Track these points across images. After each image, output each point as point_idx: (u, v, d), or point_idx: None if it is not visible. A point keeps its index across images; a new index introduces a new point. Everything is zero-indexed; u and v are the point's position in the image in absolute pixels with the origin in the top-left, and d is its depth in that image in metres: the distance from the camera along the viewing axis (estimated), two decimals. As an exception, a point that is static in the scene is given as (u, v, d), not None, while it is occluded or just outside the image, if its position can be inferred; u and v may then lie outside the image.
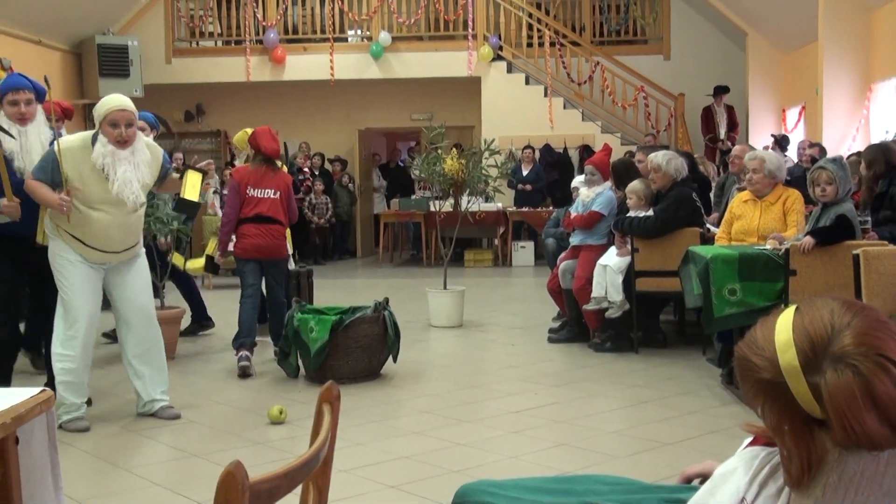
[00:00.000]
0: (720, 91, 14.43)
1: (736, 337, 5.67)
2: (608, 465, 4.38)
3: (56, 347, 5.08)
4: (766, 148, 10.61)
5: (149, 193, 5.44)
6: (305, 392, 5.95)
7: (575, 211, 7.61)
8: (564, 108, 15.28)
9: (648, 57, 15.86)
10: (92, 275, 5.13)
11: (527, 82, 15.35)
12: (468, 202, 8.95)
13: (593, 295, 7.03)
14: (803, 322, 1.57)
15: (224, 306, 8.53)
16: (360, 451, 4.60)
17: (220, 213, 11.30)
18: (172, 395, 5.52)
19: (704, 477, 2.00)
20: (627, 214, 7.03)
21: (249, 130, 7.05)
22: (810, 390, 1.51)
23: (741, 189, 6.83)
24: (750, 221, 6.24)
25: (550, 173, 14.84)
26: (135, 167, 5.00)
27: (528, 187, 14.45)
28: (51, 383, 5.52)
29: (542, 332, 7.85)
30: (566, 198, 12.85)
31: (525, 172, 14.55)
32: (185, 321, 7.74)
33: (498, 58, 15.33)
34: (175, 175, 5.62)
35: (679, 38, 15.94)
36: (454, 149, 9.47)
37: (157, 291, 8.26)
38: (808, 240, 5.43)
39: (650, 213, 6.89)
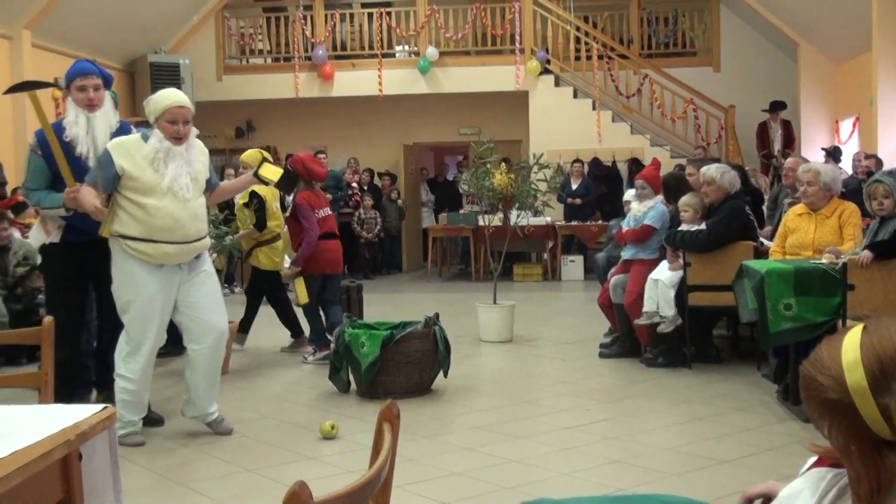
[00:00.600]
0: (776, 107, 14.22)
1: (791, 352, 5.59)
2: (663, 482, 4.33)
3: (119, 367, 5.09)
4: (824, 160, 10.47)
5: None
6: (357, 407, 5.97)
7: (626, 225, 7.57)
8: (613, 121, 15.22)
9: (698, 69, 15.75)
10: (162, 288, 5.01)
11: (575, 96, 15.31)
12: (517, 216, 8.94)
13: (645, 309, 6.98)
14: (871, 342, 1.55)
15: (261, 321, 8.56)
16: (411, 467, 4.59)
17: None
18: (226, 410, 5.57)
19: (766, 498, 1.97)
20: (679, 228, 6.97)
21: (256, 150, 7.44)
22: (879, 411, 1.49)
23: (794, 202, 6.74)
24: (805, 235, 6.15)
25: (599, 187, 14.78)
26: (187, 163, 4.97)
27: (578, 201, 14.39)
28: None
29: (593, 347, 7.81)
30: (615, 211, 12.79)
31: (574, 186, 14.50)
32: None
33: (545, 71, 15.32)
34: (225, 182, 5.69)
35: (729, 49, 15.82)
36: (503, 163, 9.47)
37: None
38: (867, 254, 5.34)
39: (703, 226, 6.82)
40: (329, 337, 7.81)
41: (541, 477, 4.46)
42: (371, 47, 15.67)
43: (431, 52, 15.27)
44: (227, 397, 5.91)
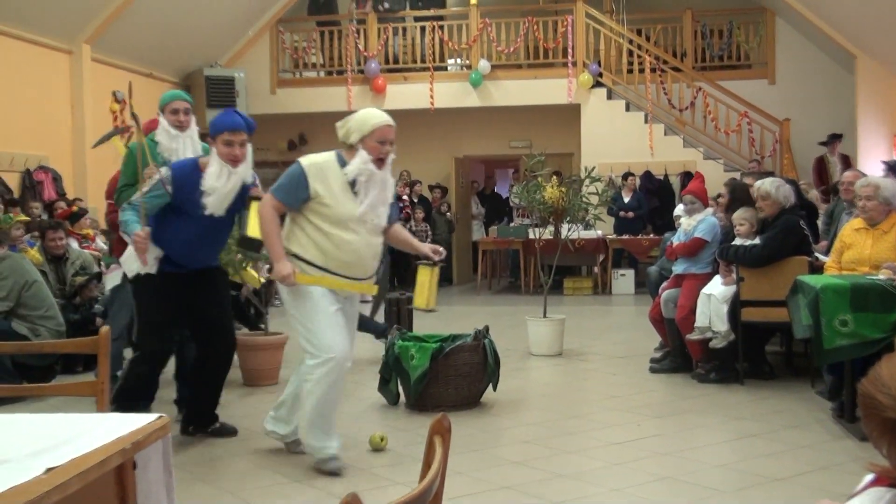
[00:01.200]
0: (834, 138, 13.93)
1: (847, 369, 5.49)
2: (715, 500, 4.28)
3: (311, 390, 4.73)
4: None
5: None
6: (406, 419, 5.98)
7: (677, 240, 7.50)
8: (665, 134, 15.11)
9: (752, 81, 15.58)
10: (339, 309, 4.73)
11: (627, 109, 15.24)
12: (568, 230, 8.90)
13: (697, 324, 6.90)
14: (931, 360, 1.52)
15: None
16: (460, 480, 4.58)
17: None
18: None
19: (821, 517, 1.94)
20: (733, 242, 6.90)
21: None
22: (939, 432, 1.46)
23: (851, 216, 6.64)
24: (861, 250, 6.04)
25: (651, 200, 14.67)
26: (383, 190, 4.69)
27: (630, 214, 14.30)
28: (182, 401, 5.89)
29: (644, 361, 7.74)
30: (666, 225, 12.68)
31: (626, 199, 14.40)
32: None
33: (598, 84, 15.27)
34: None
35: (784, 61, 15.63)
36: (554, 176, 9.44)
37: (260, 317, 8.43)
38: (924, 269, 5.23)
39: (756, 241, 6.74)
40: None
41: (591, 492, 4.43)
42: (423, 60, 15.74)
43: (483, 65, 15.31)
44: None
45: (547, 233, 9.19)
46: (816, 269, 6.60)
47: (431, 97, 15.51)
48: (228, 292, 5.82)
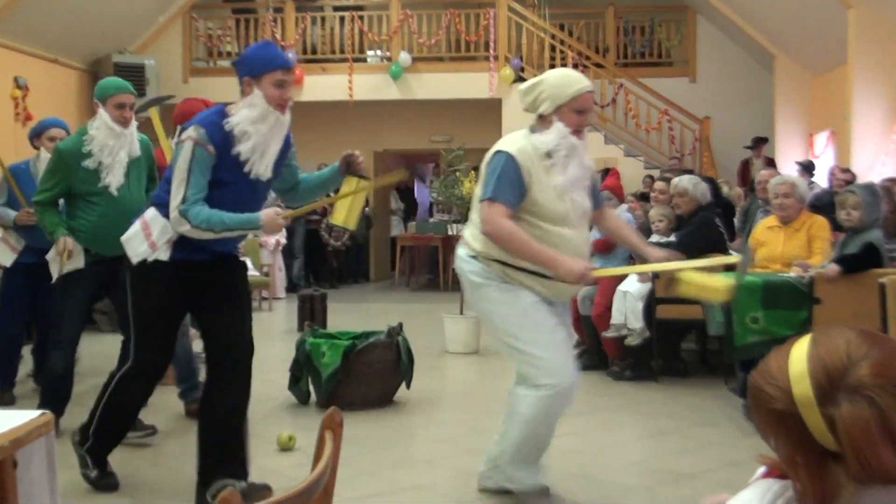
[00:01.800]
0: (759, 142, 14.24)
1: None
2: (626, 497, 4.35)
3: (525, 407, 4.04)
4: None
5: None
6: (316, 419, 5.89)
7: (593, 237, 7.59)
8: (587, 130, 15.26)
9: (674, 79, 15.84)
10: (558, 324, 4.05)
11: (548, 104, 15.35)
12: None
13: (613, 322, 7.01)
14: (819, 352, 1.56)
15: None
16: (370, 479, 4.58)
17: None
18: (180, 420, 5.54)
19: (718, 510, 1.98)
20: (649, 240, 7.01)
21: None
22: (825, 422, 1.50)
23: (766, 215, 6.81)
24: (774, 248, 6.21)
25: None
26: (585, 168, 4.07)
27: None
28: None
29: (561, 359, 7.81)
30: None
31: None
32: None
33: (520, 79, 15.34)
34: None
35: (705, 60, 15.93)
36: (473, 171, 9.48)
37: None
38: (834, 267, 5.40)
39: (672, 238, 6.87)
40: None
41: (503, 492, 4.45)
42: (342, 51, 15.65)
43: (404, 57, 15.28)
44: (180, 406, 5.88)
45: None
46: (731, 266, 6.75)
47: (350, 89, 15.42)
48: (248, 290, 4.77)
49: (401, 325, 6.41)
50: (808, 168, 12.02)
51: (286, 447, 5.13)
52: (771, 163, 14.06)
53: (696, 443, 5.30)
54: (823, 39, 12.92)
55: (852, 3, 11.32)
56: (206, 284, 4.20)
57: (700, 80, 15.89)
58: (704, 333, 7.20)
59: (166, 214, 4.01)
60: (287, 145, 4.19)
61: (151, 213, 4.12)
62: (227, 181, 3.98)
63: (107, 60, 14.60)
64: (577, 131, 3.95)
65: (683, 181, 7.03)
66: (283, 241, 13.57)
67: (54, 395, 5.26)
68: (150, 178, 5.40)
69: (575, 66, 15.14)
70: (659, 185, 7.80)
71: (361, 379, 6.11)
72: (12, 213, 6.26)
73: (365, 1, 16.46)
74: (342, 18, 15.76)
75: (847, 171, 10.80)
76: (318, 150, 16.55)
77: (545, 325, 3.94)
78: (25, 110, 12.08)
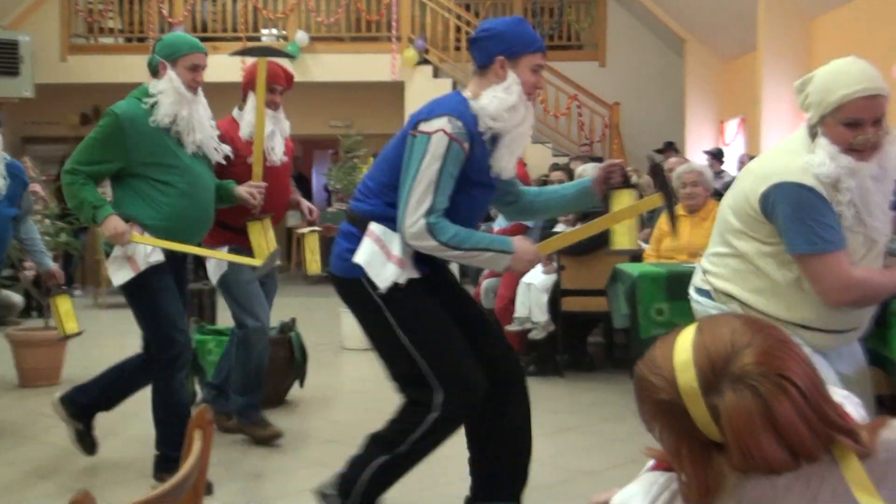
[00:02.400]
0: (668, 147, 14.43)
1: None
2: (527, 496, 4.39)
3: None
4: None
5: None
6: (203, 420, 5.87)
7: (497, 226, 7.67)
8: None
9: (583, 63, 16.04)
10: None
11: (454, 88, 15.40)
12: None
13: (516, 315, 7.08)
14: (704, 341, 1.60)
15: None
16: (260, 483, 4.56)
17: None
18: (53, 421, 5.41)
19: (610, 505, 2.02)
20: (553, 229, 7.10)
21: None
22: (709, 412, 1.54)
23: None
24: (680, 238, 6.34)
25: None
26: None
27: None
28: None
29: (464, 355, 7.86)
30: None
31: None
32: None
33: (423, 61, 15.37)
34: None
35: (615, 44, 16.18)
36: (372, 158, 9.47)
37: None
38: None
39: (577, 228, 6.96)
40: None
41: (399, 492, 4.45)
42: (235, 30, 15.45)
43: (301, 36, 15.15)
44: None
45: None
46: (638, 257, 6.88)
47: (244, 70, 15.20)
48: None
49: (294, 321, 6.37)
50: (716, 156, 12.32)
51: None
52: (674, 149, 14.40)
53: (600, 439, 5.40)
54: (734, 25, 13.25)
55: (762, -12, 11.64)
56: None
57: (610, 64, 16.14)
58: (610, 326, 7.32)
59: (388, 226, 3.54)
60: None
61: (379, 227, 3.56)
62: (467, 187, 3.51)
63: (-25, 36, 14.16)
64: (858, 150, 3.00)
65: (587, 170, 7.12)
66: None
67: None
68: None
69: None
70: (556, 174, 7.90)
71: (252, 377, 6.06)
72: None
73: (259, -24, 16.28)
74: (235, -6, 15.56)
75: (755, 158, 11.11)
76: (209, 134, 16.33)
77: None
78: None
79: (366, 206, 3.63)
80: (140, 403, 4.87)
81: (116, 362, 4.82)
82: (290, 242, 15.70)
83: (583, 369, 7.27)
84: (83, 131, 16.42)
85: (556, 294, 6.92)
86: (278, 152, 5.41)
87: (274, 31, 16.02)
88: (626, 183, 3.78)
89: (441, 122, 3.40)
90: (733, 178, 10.67)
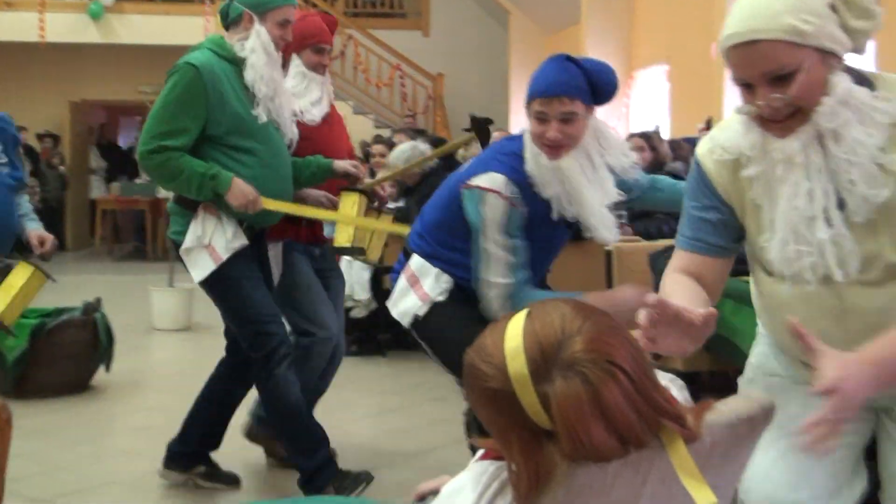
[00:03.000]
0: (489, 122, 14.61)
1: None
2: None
3: None
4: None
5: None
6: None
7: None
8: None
9: (406, 32, 16.09)
10: None
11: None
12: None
13: (338, 293, 7.05)
14: (534, 327, 1.61)
15: None
16: (60, 476, 4.42)
17: None
18: None
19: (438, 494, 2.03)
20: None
21: None
22: (539, 399, 1.56)
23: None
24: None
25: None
26: None
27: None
28: None
29: (283, 335, 7.80)
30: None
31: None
32: None
33: (237, 25, 15.05)
34: None
35: (439, 13, 16.27)
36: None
37: None
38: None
39: (401, 204, 6.98)
40: None
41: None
42: (32, -15, 14.78)
43: (106, -6, 14.64)
44: None
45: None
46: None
47: (41, 29, 14.57)
48: None
49: (99, 301, 6.20)
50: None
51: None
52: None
53: (422, 420, 5.45)
54: (558, -3, 13.54)
55: (586, -39, 11.93)
56: None
57: (433, 34, 16.22)
58: (434, 304, 7.39)
59: (444, 269, 3.46)
60: None
61: (420, 263, 3.52)
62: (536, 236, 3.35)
63: None
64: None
65: (406, 148, 7.15)
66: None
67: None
68: None
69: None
70: (378, 147, 7.90)
71: (53, 363, 5.88)
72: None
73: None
74: (31, -54, 14.85)
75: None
76: (2, 99, 15.57)
77: None
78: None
79: (429, 245, 3.64)
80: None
81: (200, 393, 4.44)
82: (93, 216, 15.19)
83: (406, 348, 7.30)
84: None
85: (379, 271, 6.92)
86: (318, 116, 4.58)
87: (76, -13, 15.38)
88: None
89: (496, 182, 3.27)
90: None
